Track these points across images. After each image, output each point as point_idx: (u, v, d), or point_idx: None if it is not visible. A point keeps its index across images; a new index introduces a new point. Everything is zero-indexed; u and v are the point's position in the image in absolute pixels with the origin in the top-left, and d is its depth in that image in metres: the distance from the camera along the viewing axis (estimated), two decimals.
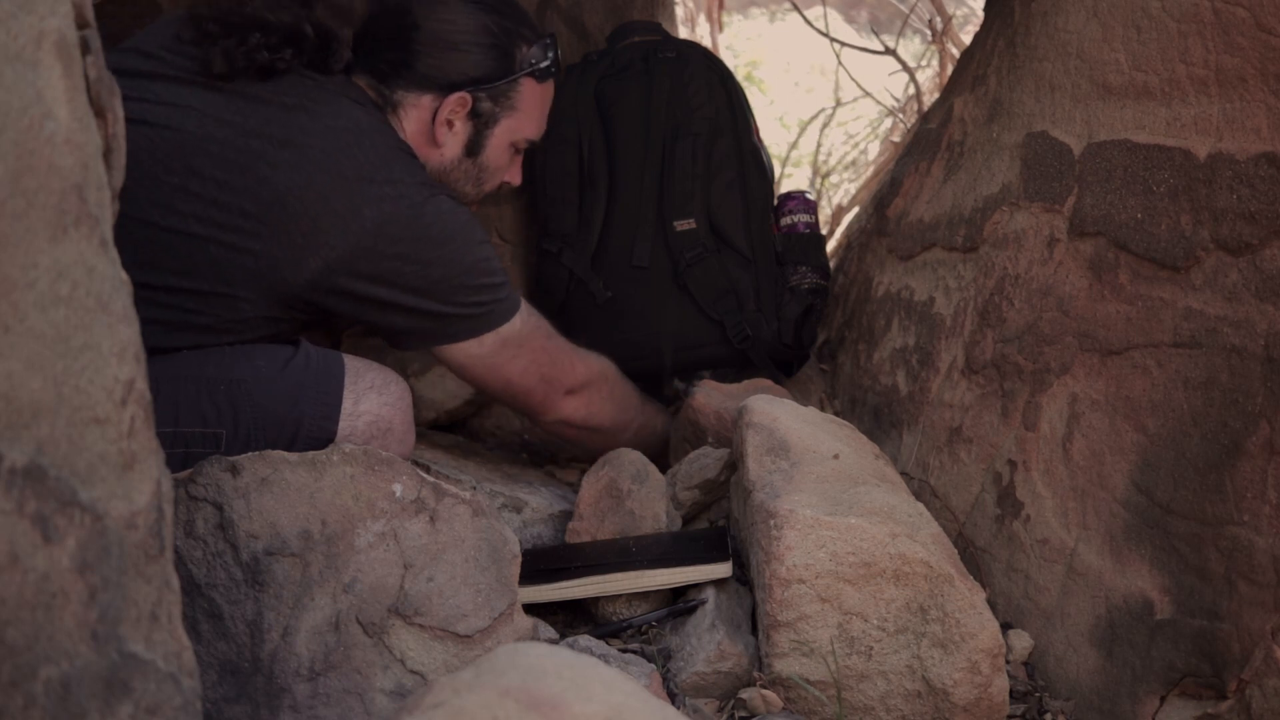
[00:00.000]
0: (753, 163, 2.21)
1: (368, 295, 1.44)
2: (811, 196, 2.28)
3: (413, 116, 1.59)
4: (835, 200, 3.70)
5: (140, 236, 1.29)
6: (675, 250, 2.17)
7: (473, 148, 1.64)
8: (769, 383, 1.91)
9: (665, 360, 2.00)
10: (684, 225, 2.17)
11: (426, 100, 1.59)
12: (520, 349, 1.56)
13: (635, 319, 2.02)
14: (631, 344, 1.97)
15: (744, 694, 1.23)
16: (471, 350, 1.53)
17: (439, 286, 1.47)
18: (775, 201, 2.27)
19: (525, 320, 1.57)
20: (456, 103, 1.59)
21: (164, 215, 1.37)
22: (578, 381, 1.67)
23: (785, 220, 2.23)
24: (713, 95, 2.23)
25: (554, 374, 1.62)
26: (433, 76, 1.58)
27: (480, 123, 1.63)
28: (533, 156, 2.37)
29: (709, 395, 1.76)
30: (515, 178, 1.75)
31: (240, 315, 1.42)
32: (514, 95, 1.64)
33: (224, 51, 1.42)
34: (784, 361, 2.10)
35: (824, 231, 2.80)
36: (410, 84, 1.58)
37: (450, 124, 1.61)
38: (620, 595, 1.37)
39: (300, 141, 1.41)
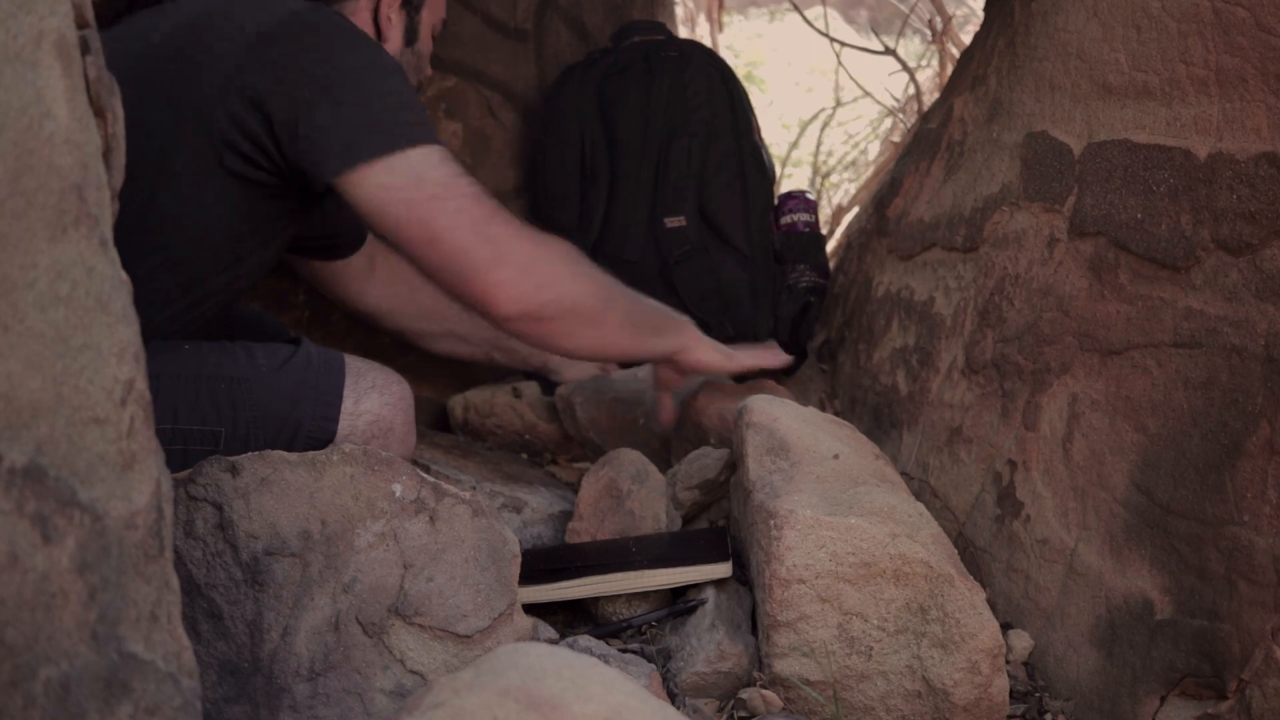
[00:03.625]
0: (753, 162, 2.22)
1: (275, 86, 1.32)
2: (811, 196, 2.29)
3: (357, 20, 1.57)
4: (835, 200, 3.71)
5: None
6: (664, 247, 2.17)
7: (410, 36, 1.65)
8: (772, 383, 1.91)
9: None
10: (674, 222, 2.18)
11: (365, 1, 1.58)
12: (444, 189, 1.35)
13: None
14: None
15: (744, 694, 1.23)
16: (382, 179, 1.32)
17: (346, 76, 1.33)
18: (775, 201, 2.27)
19: (448, 163, 1.37)
20: None
21: None
22: (531, 252, 1.39)
23: (785, 219, 2.24)
24: (713, 95, 2.24)
25: (493, 232, 1.36)
26: None
27: (411, 9, 1.63)
28: (535, 153, 2.38)
29: (710, 395, 1.76)
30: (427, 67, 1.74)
31: (160, 147, 1.35)
32: None
33: None
34: None
35: (824, 231, 2.80)
36: None
37: (389, 18, 1.60)
38: (620, 595, 1.37)
39: (181, 6, 1.42)
